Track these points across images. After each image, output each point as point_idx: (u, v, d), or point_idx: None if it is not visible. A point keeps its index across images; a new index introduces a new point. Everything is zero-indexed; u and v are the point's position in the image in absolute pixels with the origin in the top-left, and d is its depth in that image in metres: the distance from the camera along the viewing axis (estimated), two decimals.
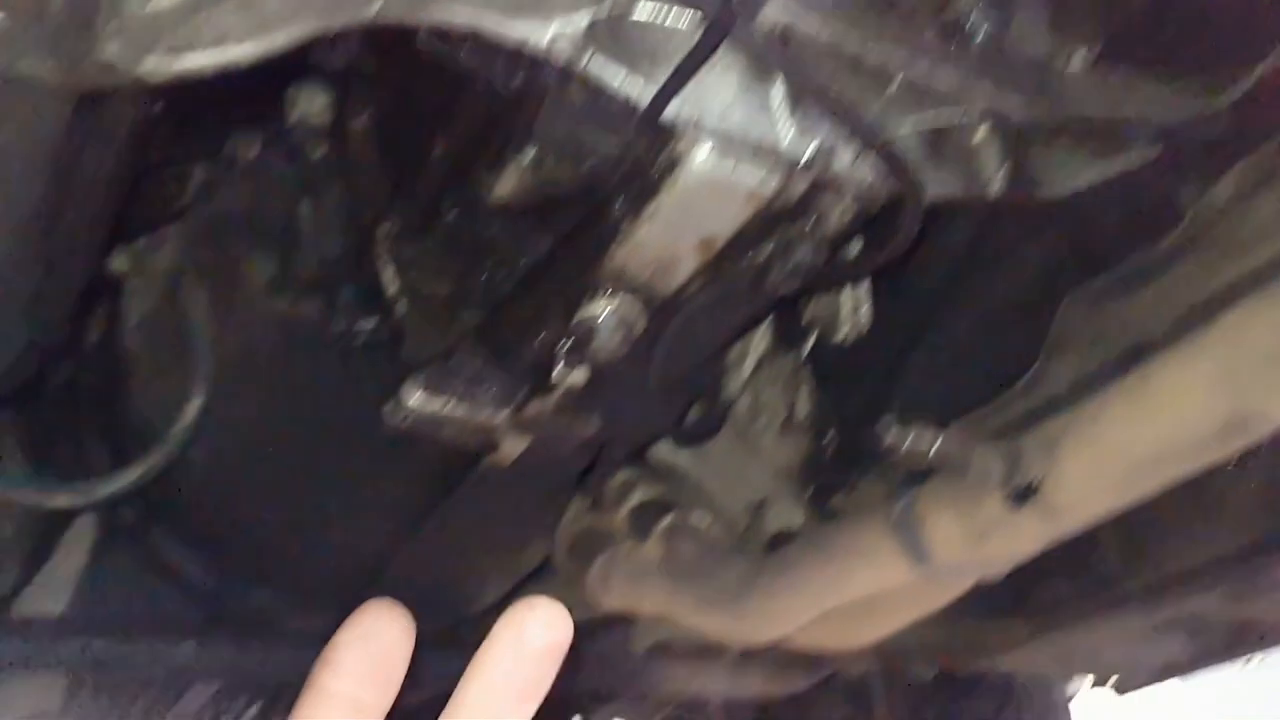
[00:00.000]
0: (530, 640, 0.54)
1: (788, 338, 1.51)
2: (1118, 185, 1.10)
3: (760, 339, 1.56)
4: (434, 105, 1.19)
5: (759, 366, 1.58)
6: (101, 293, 1.49)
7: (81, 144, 0.79)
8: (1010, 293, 1.27)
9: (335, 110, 1.30)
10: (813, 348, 1.46)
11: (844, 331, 1.39)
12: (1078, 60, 1.03)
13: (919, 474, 1.36)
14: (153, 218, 1.40)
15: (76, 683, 1.70)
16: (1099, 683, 2.17)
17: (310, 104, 1.31)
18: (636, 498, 1.86)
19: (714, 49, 0.78)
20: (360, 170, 1.28)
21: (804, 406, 1.52)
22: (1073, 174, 1.08)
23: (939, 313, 1.31)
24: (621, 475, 1.86)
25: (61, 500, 1.43)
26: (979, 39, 0.96)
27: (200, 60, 0.63)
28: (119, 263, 1.44)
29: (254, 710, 1.90)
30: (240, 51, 0.64)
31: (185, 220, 1.39)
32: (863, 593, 1.45)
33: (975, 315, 1.30)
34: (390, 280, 1.23)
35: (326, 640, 1.63)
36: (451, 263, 1.27)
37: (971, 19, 0.95)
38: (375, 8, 0.68)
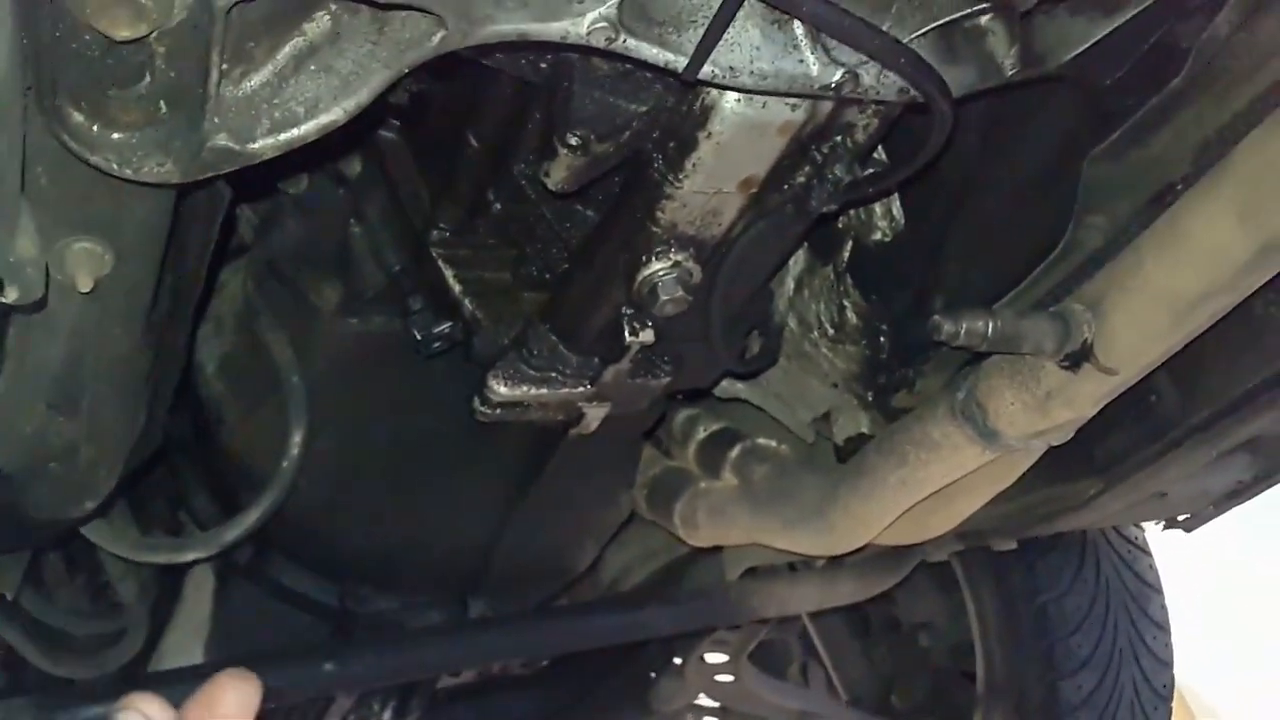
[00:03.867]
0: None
1: (823, 252, 1.55)
2: (1120, 39, 1.13)
3: (796, 260, 1.61)
4: (459, 104, 1.24)
5: (799, 286, 1.63)
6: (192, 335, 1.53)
7: (185, 226, 0.85)
8: (1033, 164, 1.31)
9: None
10: (850, 255, 1.51)
11: (880, 233, 1.43)
12: None
13: (975, 358, 1.42)
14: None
15: None
16: (1169, 526, 2.23)
17: None
18: (701, 434, 1.92)
19: (737, 7, 0.82)
20: (400, 180, 1.33)
21: (852, 315, 1.57)
22: (1076, 38, 1.12)
23: (968, 197, 1.35)
24: (683, 414, 1.93)
25: (192, 554, 1.50)
26: None
27: (303, 131, 0.69)
28: None
29: (389, 712, 2.00)
30: (333, 116, 0.70)
31: (247, 261, 1.44)
32: (939, 483, 1.51)
33: (1003, 193, 1.34)
34: (452, 281, 1.29)
35: (449, 634, 1.73)
36: (505, 251, 1.33)
37: None
38: (435, 41, 0.73)
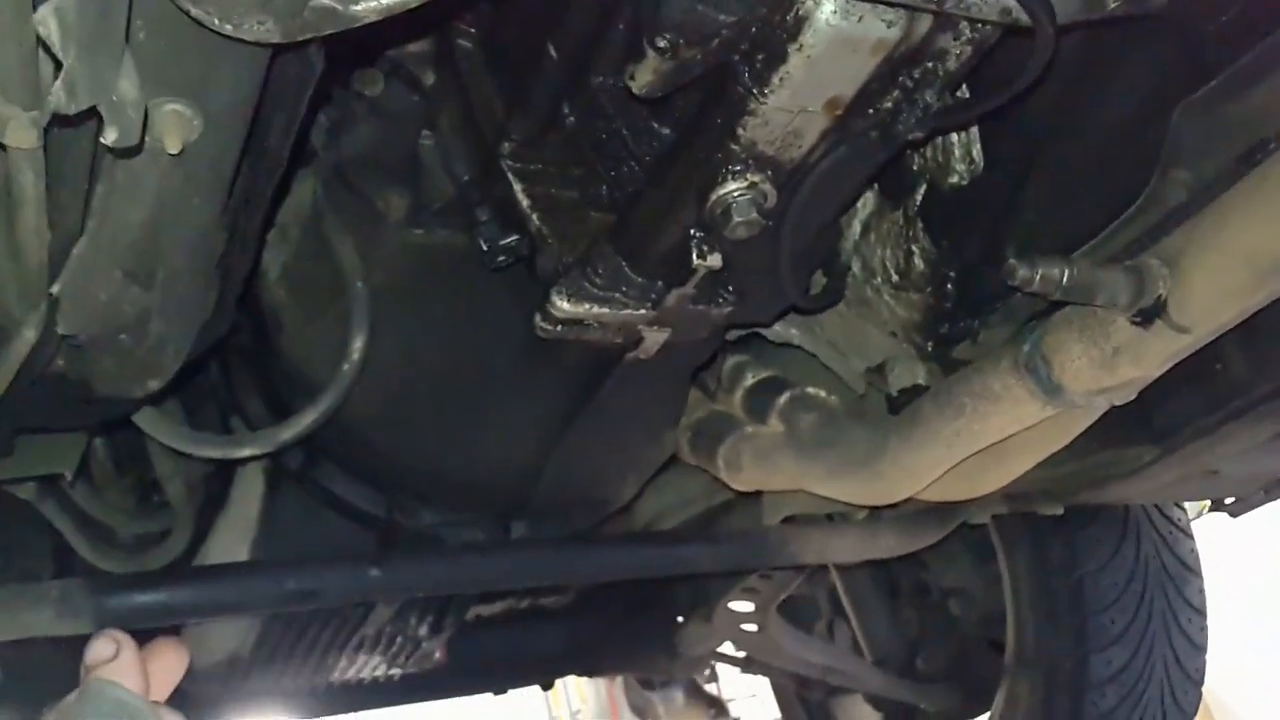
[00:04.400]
0: None
1: (894, 195, 1.53)
2: None
3: (864, 203, 1.58)
4: (540, 13, 1.22)
5: (866, 230, 1.61)
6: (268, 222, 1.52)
7: (273, 100, 0.84)
8: (1121, 112, 1.27)
9: (439, 34, 1.34)
10: (923, 199, 1.48)
11: (957, 175, 1.40)
12: None
13: (1043, 310, 1.40)
14: None
15: (269, 621, 1.81)
16: (1215, 507, 2.20)
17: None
18: (749, 380, 1.91)
19: None
20: (474, 90, 1.31)
21: (919, 261, 1.54)
22: None
23: (1051, 142, 1.32)
24: (732, 360, 1.92)
25: (247, 450, 1.51)
26: None
27: None
28: None
29: (425, 627, 2.02)
30: None
31: (315, 165, 1.44)
32: (996, 437, 1.48)
33: (1087, 140, 1.30)
34: (520, 195, 1.28)
35: (491, 553, 1.81)
36: (576, 167, 1.31)
37: None
38: None
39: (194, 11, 0.68)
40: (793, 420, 1.83)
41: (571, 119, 1.29)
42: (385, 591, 1.60)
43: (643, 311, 1.32)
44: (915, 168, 1.47)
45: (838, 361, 1.81)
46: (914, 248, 1.55)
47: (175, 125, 0.77)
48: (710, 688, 5.66)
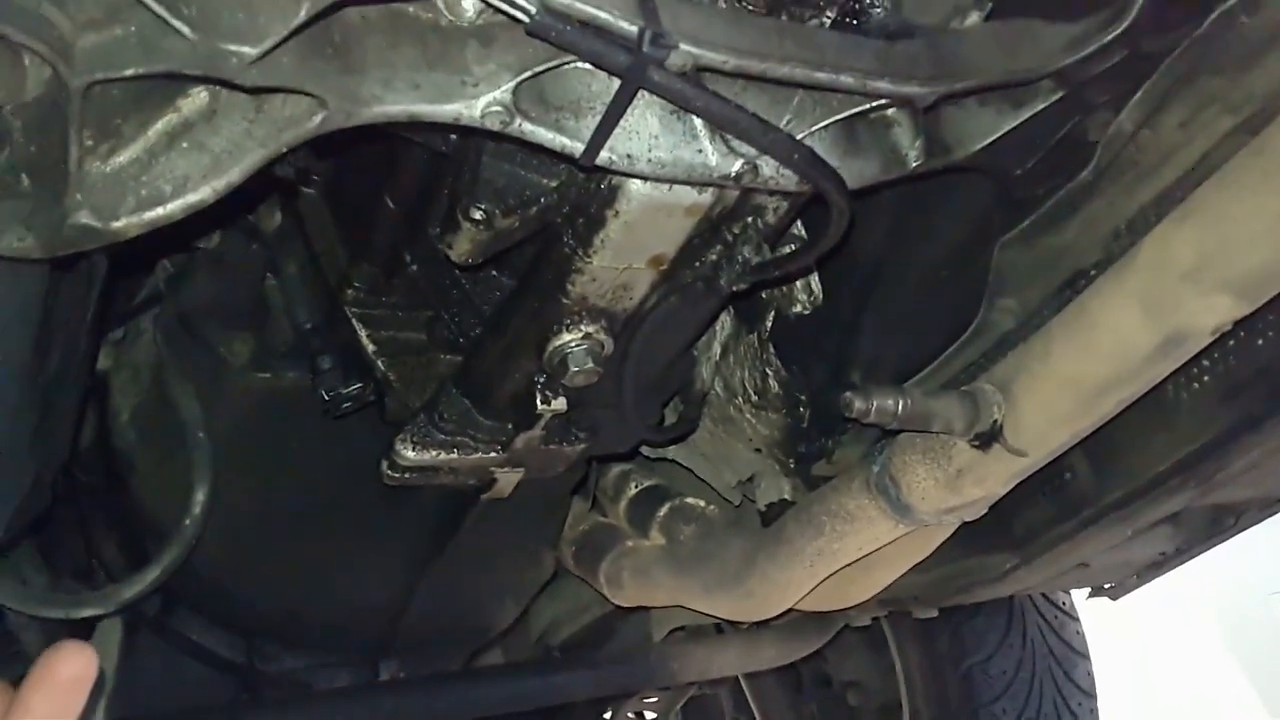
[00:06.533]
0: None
1: (748, 319, 1.56)
2: (1029, 130, 1.15)
3: (723, 325, 1.61)
4: (378, 165, 1.23)
5: (725, 351, 1.63)
6: (89, 392, 1.51)
7: (63, 292, 0.83)
8: (945, 247, 1.32)
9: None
10: (772, 325, 1.51)
11: (799, 305, 1.44)
12: (972, 18, 1.09)
13: (890, 432, 1.42)
14: (126, 310, 1.43)
15: None
16: (1094, 594, 2.24)
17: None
18: (632, 490, 1.91)
19: (630, 99, 0.83)
20: (317, 236, 1.32)
21: (774, 383, 1.57)
22: (984, 130, 1.13)
23: (881, 277, 1.37)
24: (616, 470, 1.92)
25: (89, 610, 1.45)
26: (876, 14, 1.01)
27: (168, 210, 0.68)
28: (100, 361, 1.47)
29: None
30: (201, 195, 0.69)
31: (159, 312, 1.42)
32: (855, 555, 1.50)
33: (915, 274, 1.35)
34: (366, 341, 1.28)
35: (355, 697, 1.70)
36: (419, 313, 1.32)
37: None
38: (316, 122, 0.72)
39: None
40: (672, 532, 1.84)
41: (414, 266, 1.30)
42: None
43: (493, 454, 1.32)
44: (765, 295, 1.51)
45: (712, 475, 1.82)
46: (768, 370, 1.58)
47: None
48: None
